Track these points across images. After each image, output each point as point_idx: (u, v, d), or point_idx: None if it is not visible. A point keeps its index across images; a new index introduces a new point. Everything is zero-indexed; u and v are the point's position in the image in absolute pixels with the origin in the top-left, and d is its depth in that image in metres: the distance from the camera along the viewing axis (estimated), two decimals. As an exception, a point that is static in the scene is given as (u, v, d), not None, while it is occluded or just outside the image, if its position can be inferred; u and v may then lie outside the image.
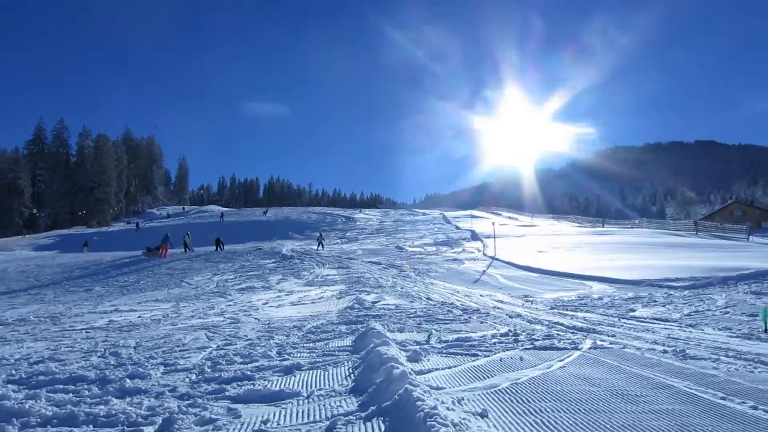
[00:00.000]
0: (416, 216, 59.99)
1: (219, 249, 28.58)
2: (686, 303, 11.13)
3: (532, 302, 12.17)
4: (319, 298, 12.51)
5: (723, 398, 3.96)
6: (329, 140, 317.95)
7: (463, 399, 3.78)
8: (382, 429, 3.19)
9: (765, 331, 7.52)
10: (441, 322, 8.30)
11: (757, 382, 4.47)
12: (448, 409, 3.28)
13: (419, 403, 3.10)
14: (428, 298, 12.20)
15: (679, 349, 6.02)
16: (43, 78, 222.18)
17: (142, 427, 3.52)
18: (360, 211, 69.68)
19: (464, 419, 3.13)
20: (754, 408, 3.71)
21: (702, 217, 61.02)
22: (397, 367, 4.08)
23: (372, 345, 5.40)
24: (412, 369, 4.66)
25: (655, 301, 11.60)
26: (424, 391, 3.51)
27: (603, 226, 44.71)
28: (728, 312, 9.73)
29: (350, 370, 4.94)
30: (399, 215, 62.03)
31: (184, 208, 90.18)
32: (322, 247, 30.18)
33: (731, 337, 7.33)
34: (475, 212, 62.38)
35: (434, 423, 2.77)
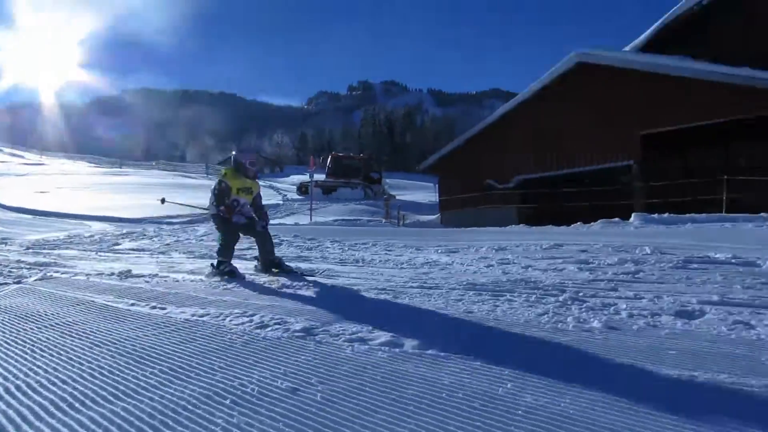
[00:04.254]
0: None
1: None
2: (171, 235, 12.09)
3: (6, 244, 10.80)
4: None
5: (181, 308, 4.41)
6: None
7: None
8: None
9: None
10: None
11: (218, 295, 5.20)
12: None
13: None
14: None
15: (125, 272, 6.51)
16: None
17: None
18: None
19: None
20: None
21: (217, 162, 67.21)
22: None
23: None
24: None
25: (145, 235, 12.14)
26: None
27: (121, 167, 43.63)
28: (205, 240, 11.09)
29: None
30: None
31: None
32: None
33: (188, 258, 8.43)
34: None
35: None
